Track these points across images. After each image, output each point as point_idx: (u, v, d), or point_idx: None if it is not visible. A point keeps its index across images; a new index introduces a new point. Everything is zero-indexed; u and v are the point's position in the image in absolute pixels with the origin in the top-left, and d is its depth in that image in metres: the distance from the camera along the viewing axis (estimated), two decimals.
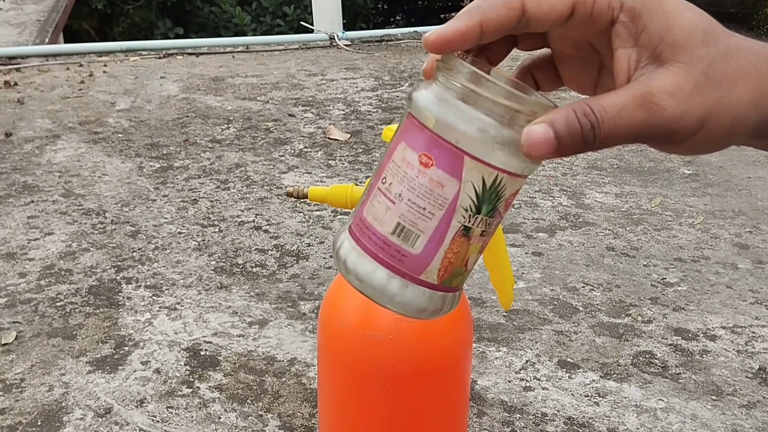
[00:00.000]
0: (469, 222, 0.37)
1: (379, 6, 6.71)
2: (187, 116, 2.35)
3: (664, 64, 0.34)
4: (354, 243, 0.38)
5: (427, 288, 0.38)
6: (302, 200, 1.04)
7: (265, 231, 1.57)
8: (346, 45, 3.39)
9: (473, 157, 0.35)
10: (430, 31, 0.35)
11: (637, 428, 1.00)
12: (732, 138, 0.36)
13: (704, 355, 1.16)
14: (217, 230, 1.57)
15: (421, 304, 0.38)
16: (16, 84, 2.67)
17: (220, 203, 1.71)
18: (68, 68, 2.92)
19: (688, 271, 1.42)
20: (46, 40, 3.48)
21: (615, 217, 1.66)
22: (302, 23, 3.92)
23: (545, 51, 0.41)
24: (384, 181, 0.38)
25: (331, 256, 1.46)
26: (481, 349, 1.17)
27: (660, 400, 1.06)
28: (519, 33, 0.37)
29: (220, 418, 1.01)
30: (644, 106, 0.33)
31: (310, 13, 3.74)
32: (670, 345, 1.19)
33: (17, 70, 2.87)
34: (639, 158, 2.03)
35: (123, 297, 1.31)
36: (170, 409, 1.02)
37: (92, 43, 3.66)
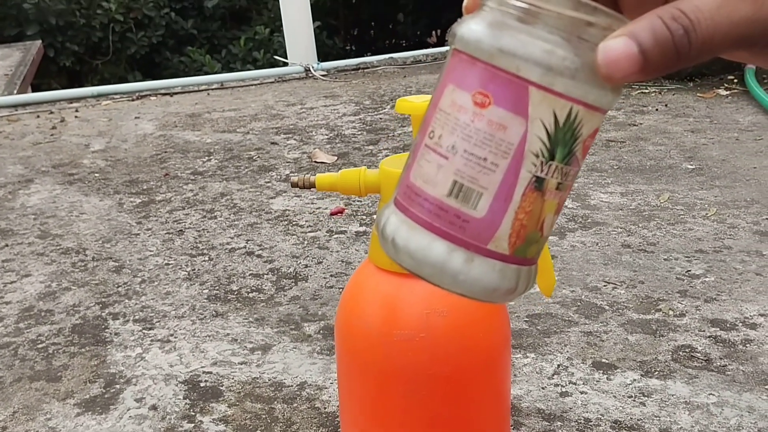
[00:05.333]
0: (542, 171, 0.29)
1: (347, 47, 6.70)
2: (165, 152, 2.25)
3: None
4: (402, 215, 0.31)
5: (498, 260, 0.30)
6: (309, 189, 0.95)
7: (258, 256, 1.47)
8: (322, 75, 3.33)
9: (540, 86, 0.28)
10: None
11: (692, 426, 0.91)
12: None
13: (747, 345, 1.08)
14: (206, 259, 1.47)
15: (491, 282, 0.30)
16: None
17: (207, 232, 1.61)
18: (38, 116, 2.82)
19: (713, 262, 1.34)
20: (15, 92, 3.38)
21: (625, 215, 1.58)
22: (276, 57, 3.86)
23: None
24: (432, 135, 0.30)
25: (332, 276, 1.36)
26: None
27: (711, 394, 0.97)
28: None
29: None
30: None
31: (281, 56, 3.68)
32: (709, 337, 1.10)
33: None
34: (638, 157, 1.96)
35: (110, 333, 1.20)
36: None
37: (62, 90, 3.55)
